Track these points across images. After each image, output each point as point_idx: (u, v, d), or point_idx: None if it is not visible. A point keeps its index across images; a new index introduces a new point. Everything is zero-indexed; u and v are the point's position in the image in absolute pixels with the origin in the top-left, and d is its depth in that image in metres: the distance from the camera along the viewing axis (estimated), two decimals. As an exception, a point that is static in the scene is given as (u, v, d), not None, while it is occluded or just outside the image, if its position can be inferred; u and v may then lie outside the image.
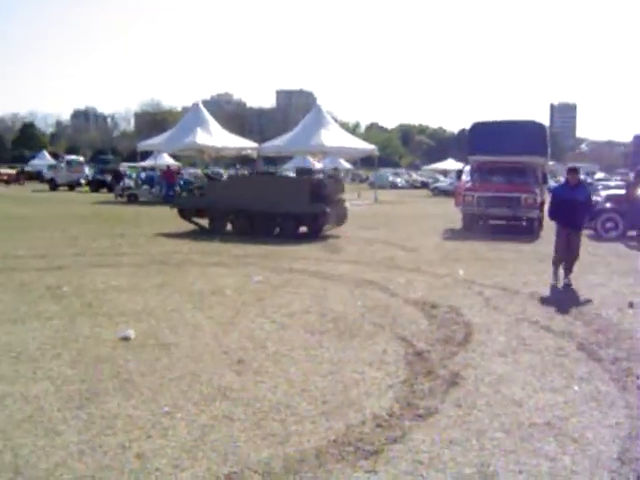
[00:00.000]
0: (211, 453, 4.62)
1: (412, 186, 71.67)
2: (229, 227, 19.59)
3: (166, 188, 36.94)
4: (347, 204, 20.75)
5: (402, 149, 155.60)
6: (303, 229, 19.18)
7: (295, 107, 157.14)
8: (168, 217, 21.42)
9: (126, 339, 7.59)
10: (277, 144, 41.21)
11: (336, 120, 50.49)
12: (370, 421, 5.20)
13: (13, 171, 64.25)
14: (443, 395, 5.83)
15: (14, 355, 6.97)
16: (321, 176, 36.36)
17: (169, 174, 38.65)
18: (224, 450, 4.67)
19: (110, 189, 44.36)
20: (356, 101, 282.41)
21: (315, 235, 18.70)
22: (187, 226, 20.20)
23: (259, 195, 18.82)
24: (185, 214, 20.40)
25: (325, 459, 4.53)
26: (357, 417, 5.28)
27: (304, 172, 47.08)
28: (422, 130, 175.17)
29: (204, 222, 20.17)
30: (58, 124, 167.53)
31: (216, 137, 38.86)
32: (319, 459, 4.53)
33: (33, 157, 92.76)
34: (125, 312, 9.00)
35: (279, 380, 6.21)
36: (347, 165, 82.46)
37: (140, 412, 5.38)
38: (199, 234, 18.92)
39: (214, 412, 5.38)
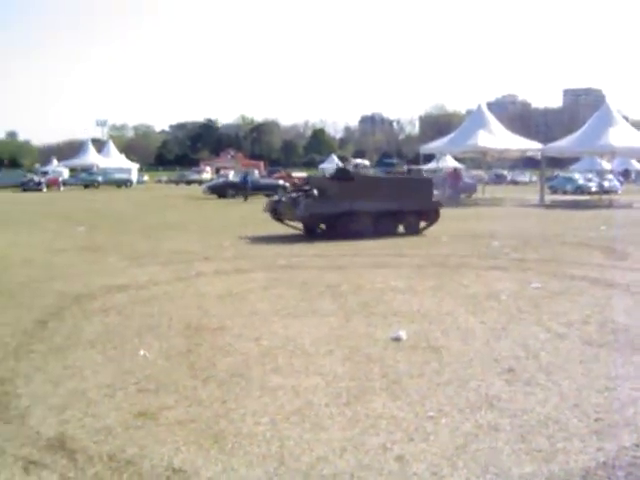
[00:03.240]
0: (471, 463, 4.50)
1: None
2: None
3: (450, 190, 37.16)
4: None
5: None
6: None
7: (583, 106, 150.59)
8: (446, 218, 21.33)
9: (398, 340, 7.65)
10: (562, 145, 39.91)
11: (627, 119, 47.51)
12: (646, 444, 4.78)
13: (304, 174, 67.93)
14: None
15: (290, 349, 7.32)
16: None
17: (455, 176, 38.89)
18: (485, 461, 4.52)
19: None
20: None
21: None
22: (451, 227, 20.06)
23: (387, 194, 19.14)
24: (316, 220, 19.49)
25: (592, 481, 4.24)
26: (632, 439, 4.86)
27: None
28: None
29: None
30: (346, 129, 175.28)
31: (499, 138, 38.37)
32: (585, 481, 4.25)
33: (322, 161, 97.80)
34: (399, 313, 9.10)
35: (550, 393, 5.92)
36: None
37: (404, 414, 5.38)
38: (472, 236, 18.73)
39: (479, 421, 5.24)
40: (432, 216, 20.26)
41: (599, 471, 4.37)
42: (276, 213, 20.00)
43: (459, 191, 38.32)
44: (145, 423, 5.25)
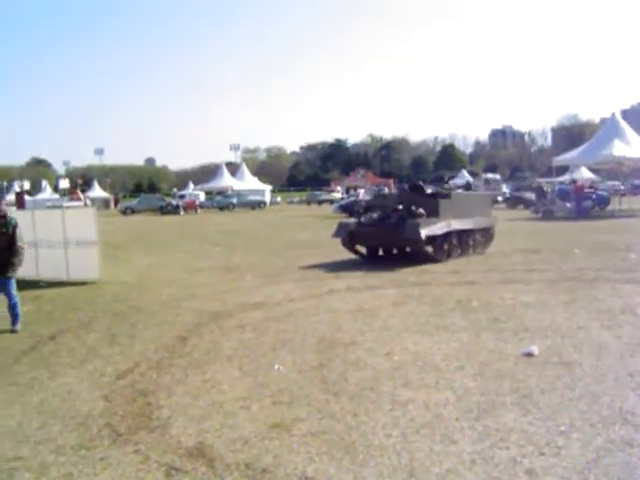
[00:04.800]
0: (604, 478, 4.45)
1: None
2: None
3: (577, 202, 36.27)
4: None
5: None
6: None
7: None
8: (579, 231, 20.82)
9: (529, 355, 7.59)
10: None
11: None
12: None
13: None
14: None
15: (421, 364, 7.40)
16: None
17: (578, 188, 37.93)
18: (618, 477, 4.47)
19: (527, 205, 44.47)
20: None
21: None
22: (584, 240, 19.46)
23: (466, 211, 18.24)
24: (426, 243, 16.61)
25: None
26: None
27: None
28: None
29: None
30: (476, 143, 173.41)
31: (635, 148, 36.97)
32: None
33: (453, 177, 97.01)
34: (530, 328, 8.99)
35: (688, 409, 5.75)
36: None
37: (535, 428, 5.37)
38: (608, 249, 18.15)
39: (612, 436, 5.16)
40: (491, 234, 19.98)
41: None
42: (353, 237, 17.83)
43: (588, 203, 37.22)
44: (279, 434, 5.48)
